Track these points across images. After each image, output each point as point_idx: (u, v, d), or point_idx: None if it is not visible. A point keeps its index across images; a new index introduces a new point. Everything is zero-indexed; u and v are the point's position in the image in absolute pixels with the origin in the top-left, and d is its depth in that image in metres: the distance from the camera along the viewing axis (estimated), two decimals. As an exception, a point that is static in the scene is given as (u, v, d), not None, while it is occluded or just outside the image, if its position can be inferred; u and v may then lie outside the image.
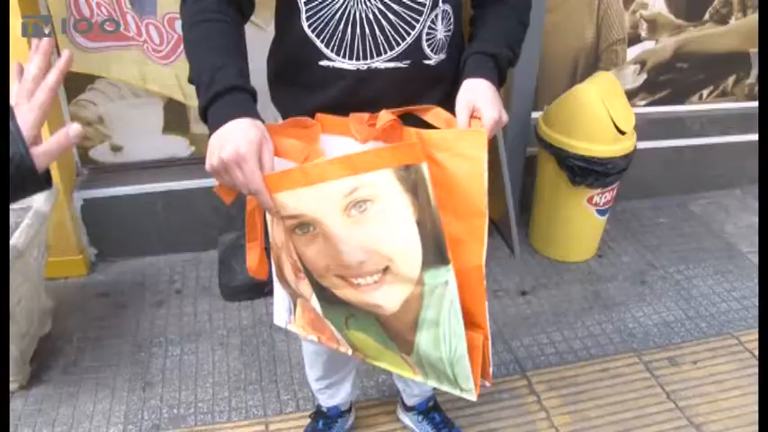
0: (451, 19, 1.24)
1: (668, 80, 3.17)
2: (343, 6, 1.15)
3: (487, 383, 1.26)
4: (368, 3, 1.15)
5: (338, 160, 1.03)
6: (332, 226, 1.07)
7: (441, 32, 1.22)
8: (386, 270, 1.10)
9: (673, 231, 2.95)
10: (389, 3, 1.15)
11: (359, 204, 1.04)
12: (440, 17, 1.20)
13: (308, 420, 1.90)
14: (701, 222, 3.03)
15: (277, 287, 1.36)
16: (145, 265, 2.66)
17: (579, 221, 2.61)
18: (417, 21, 1.17)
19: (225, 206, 2.58)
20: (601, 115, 2.37)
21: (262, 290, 2.41)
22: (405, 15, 1.17)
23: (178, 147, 2.69)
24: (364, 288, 1.13)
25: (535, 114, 2.70)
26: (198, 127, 2.66)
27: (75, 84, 2.47)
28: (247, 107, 1.05)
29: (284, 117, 1.32)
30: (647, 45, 3.06)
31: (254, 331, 2.31)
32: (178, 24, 2.23)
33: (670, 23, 3.02)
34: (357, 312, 1.20)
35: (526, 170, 2.76)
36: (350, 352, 1.32)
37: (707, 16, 3.05)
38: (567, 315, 2.42)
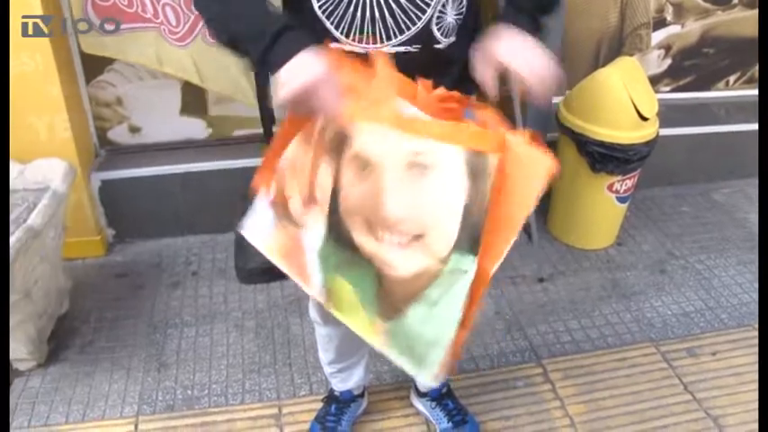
0: (463, 2, 1.22)
1: (694, 65, 3.11)
2: None
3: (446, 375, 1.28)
4: None
5: (422, 121, 1.07)
6: (388, 175, 1.09)
7: (450, 16, 1.20)
8: (418, 237, 1.12)
9: (695, 220, 2.90)
10: None
11: (421, 167, 1.08)
12: (450, 0, 1.18)
13: (321, 404, 1.90)
14: (725, 211, 2.97)
15: (262, 205, 1.30)
16: (162, 246, 2.67)
17: (599, 208, 2.57)
18: (428, 5, 1.16)
19: (242, 189, 2.57)
20: (623, 101, 2.32)
21: (277, 273, 2.40)
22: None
23: (196, 129, 2.69)
24: (387, 244, 1.14)
25: (556, 99, 2.65)
26: (216, 109, 2.65)
27: (93, 65, 2.48)
28: (308, 41, 1.07)
29: None
30: (673, 29, 2.99)
31: (269, 314, 2.31)
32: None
33: (697, 7, 2.95)
34: (359, 262, 1.19)
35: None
36: (313, 292, 1.29)
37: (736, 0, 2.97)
38: (584, 303, 2.39)
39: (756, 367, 2.12)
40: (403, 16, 1.16)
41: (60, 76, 2.26)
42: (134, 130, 2.64)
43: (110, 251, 2.64)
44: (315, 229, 1.22)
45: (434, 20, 1.18)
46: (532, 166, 1.09)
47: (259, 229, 1.34)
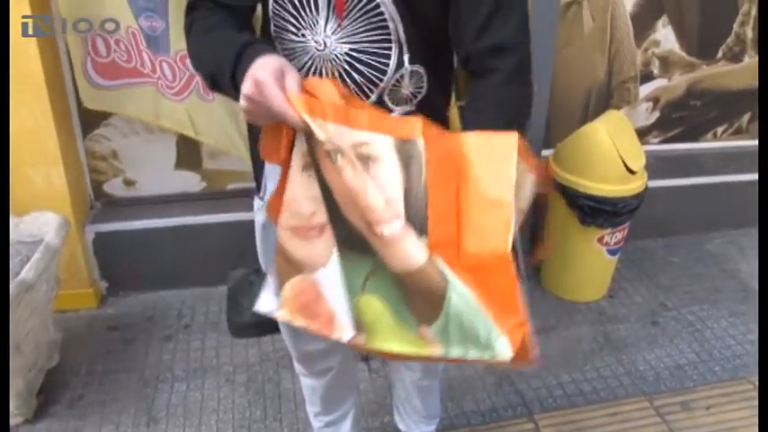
0: (424, 78, 1.23)
1: (681, 118, 3.16)
2: (311, 61, 1.19)
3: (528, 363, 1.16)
4: (334, 61, 1.18)
5: (358, 112, 1.07)
6: (350, 168, 1.07)
7: (407, 89, 1.23)
8: (404, 225, 1.08)
9: (686, 271, 2.91)
10: (354, 63, 1.18)
11: (365, 159, 1.07)
12: (407, 77, 1.21)
13: (311, 461, 1.88)
14: (716, 262, 2.98)
15: (271, 277, 1.25)
16: (155, 299, 2.67)
17: (590, 261, 2.59)
18: (381, 80, 1.19)
19: (236, 242, 2.57)
20: (610, 154, 2.36)
21: (269, 327, 2.40)
22: (369, 75, 1.19)
23: (190, 182, 2.72)
24: (388, 239, 1.08)
25: (546, 152, 2.69)
26: (210, 162, 2.69)
27: (90, 119, 2.52)
28: (267, 50, 1.05)
29: None
30: (660, 82, 3.06)
31: (260, 368, 2.30)
32: (189, 62, 2.27)
33: (682, 61, 3.02)
34: (382, 270, 1.13)
35: (536, 209, 2.74)
36: (346, 335, 1.18)
37: (720, 54, 3.04)
38: (576, 356, 2.38)
39: (751, 421, 2.11)
40: (356, 90, 1.20)
41: (58, 129, 2.30)
42: (129, 183, 2.67)
43: (102, 303, 2.64)
44: (329, 255, 1.17)
45: (386, 94, 1.22)
46: (496, 147, 1.08)
47: (271, 296, 1.28)
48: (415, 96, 1.25)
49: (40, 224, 2.14)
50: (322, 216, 1.15)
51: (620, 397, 2.20)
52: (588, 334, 2.50)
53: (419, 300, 1.12)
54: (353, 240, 1.13)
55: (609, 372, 2.31)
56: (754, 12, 2.98)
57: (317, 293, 1.20)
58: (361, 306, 1.17)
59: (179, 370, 2.30)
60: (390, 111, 1.24)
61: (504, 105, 1.18)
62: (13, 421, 2.04)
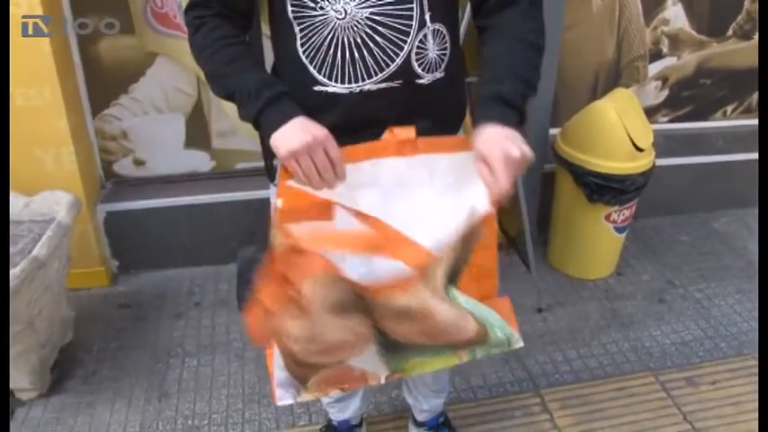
0: (446, 38, 1.25)
1: (691, 96, 3.15)
2: (332, 33, 1.19)
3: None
4: (355, 28, 1.18)
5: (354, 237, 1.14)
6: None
7: (432, 51, 1.24)
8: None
9: (694, 249, 2.92)
10: (376, 26, 1.18)
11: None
12: (430, 37, 1.22)
13: (320, 434, 1.91)
14: (723, 240, 2.99)
15: (279, 370, 1.25)
16: (166, 277, 2.70)
17: (597, 239, 2.60)
18: (405, 42, 1.20)
19: (245, 221, 2.60)
20: (618, 132, 2.36)
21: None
22: (392, 37, 1.19)
23: (200, 161, 2.74)
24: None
25: (554, 131, 2.69)
26: (219, 142, 2.71)
27: (99, 99, 2.54)
28: (300, 111, 1.16)
29: None
30: (669, 61, 3.04)
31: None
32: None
33: (692, 39, 3.00)
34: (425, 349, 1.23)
35: (544, 187, 2.75)
36: (383, 380, 1.27)
37: (730, 32, 3.02)
38: (583, 333, 2.40)
39: (755, 396, 2.12)
40: (381, 54, 1.20)
41: (67, 109, 2.32)
42: (139, 163, 2.70)
43: (114, 282, 2.68)
44: (362, 351, 1.20)
45: (414, 56, 1.21)
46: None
47: (288, 389, 1.27)
48: (442, 60, 1.26)
49: (50, 203, 2.16)
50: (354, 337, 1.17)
51: (626, 372, 2.22)
52: (595, 311, 2.52)
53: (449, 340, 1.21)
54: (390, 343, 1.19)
55: (615, 348, 2.33)
56: (764, -12, 2.96)
57: (346, 369, 1.23)
58: (398, 368, 1.25)
59: (190, 346, 2.33)
60: (420, 77, 1.24)
61: (523, 40, 1.23)
62: (27, 396, 2.08)
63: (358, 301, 1.11)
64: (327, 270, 1.04)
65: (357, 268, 1.09)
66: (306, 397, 1.25)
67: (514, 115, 1.17)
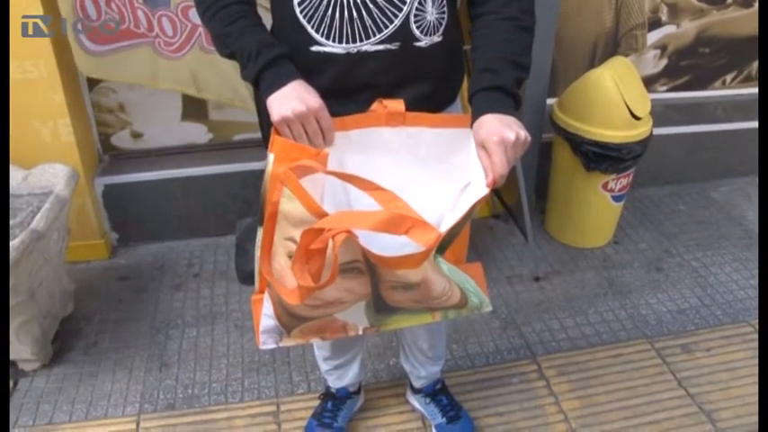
0: (445, 1, 1.25)
1: (690, 65, 3.13)
2: None
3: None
4: None
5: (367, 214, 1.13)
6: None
7: (431, 14, 1.23)
8: None
9: (692, 218, 2.92)
10: None
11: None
12: None
13: (318, 401, 1.93)
14: (722, 209, 2.99)
15: (266, 318, 1.30)
16: (164, 249, 2.72)
17: (594, 207, 2.60)
18: (404, 2, 1.19)
19: (243, 192, 2.60)
20: (615, 100, 2.35)
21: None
22: None
23: (197, 133, 2.74)
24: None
25: (552, 100, 2.68)
26: (216, 114, 2.70)
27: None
28: (298, 74, 1.19)
29: None
30: (668, 29, 3.02)
31: (268, 314, 2.35)
32: (192, 13, 2.24)
33: (692, 7, 2.98)
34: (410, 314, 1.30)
35: (542, 156, 2.75)
36: (360, 331, 1.33)
37: (730, -1, 3.00)
38: (579, 301, 2.41)
39: (751, 362, 2.14)
40: (380, 14, 1.19)
41: (63, 82, 2.31)
42: (136, 135, 2.69)
43: (113, 254, 2.69)
44: (351, 306, 1.26)
45: (412, 17, 1.21)
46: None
47: (271, 336, 1.35)
48: (440, 23, 1.26)
49: (48, 176, 2.17)
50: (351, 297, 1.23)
51: (623, 340, 2.24)
52: (592, 279, 2.53)
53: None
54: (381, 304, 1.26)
55: (612, 316, 2.34)
56: (765, -46, 2.92)
57: (330, 320, 1.29)
58: (377, 323, 1.33)
59: (189, 317, 2.35)
60: (418, 40, 1.24)
61: (515, 19, 1.23)
62: (30, 366, 2.11)
63: (366, 265, 1.15)
64: (349, 236, 1.07)
65: (372, 240, 1.12)
66: (287, 343, 1.34)
67: (512, 103, 1.18)
